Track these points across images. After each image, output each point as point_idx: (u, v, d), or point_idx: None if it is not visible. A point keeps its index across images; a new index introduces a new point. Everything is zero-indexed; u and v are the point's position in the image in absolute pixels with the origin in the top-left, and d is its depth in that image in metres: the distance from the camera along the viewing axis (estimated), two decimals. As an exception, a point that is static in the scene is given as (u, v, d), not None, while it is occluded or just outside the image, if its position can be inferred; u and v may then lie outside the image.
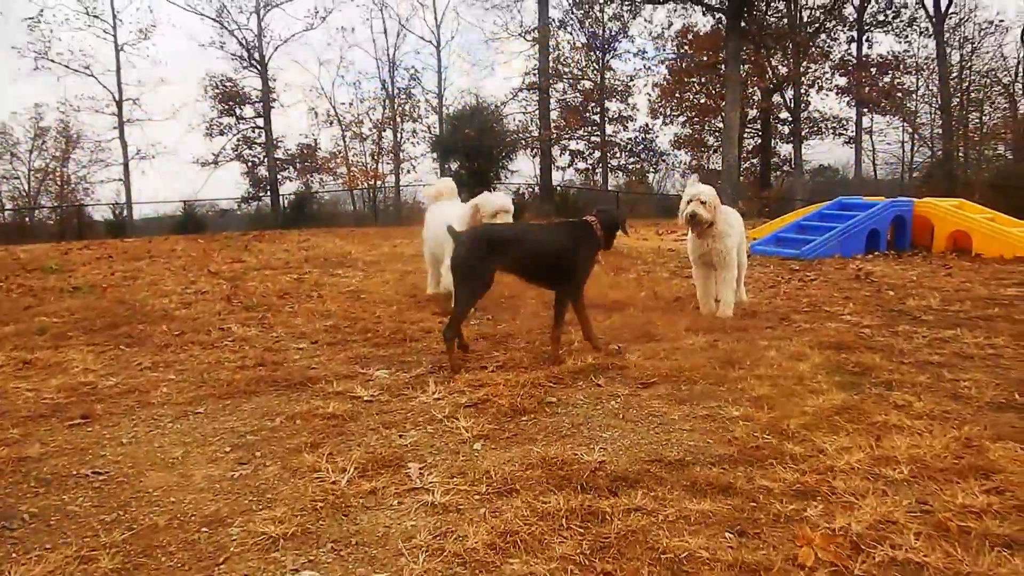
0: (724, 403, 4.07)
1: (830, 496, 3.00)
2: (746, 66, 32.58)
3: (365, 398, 4.29)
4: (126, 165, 34.30)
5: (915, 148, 40.96)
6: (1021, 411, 3.98)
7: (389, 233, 16.91)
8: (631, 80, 39.62)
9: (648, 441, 3.58)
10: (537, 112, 36.75)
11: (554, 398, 4.22)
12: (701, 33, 36.93)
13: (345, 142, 38.25)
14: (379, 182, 37.43)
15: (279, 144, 36.72)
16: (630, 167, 41.87)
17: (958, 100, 37.16)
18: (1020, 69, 35.76)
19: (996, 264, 9.74)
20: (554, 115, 37.80)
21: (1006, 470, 3.19)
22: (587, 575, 2.47)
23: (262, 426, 3.88)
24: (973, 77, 37.48)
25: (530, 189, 35.55)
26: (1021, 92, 36.05)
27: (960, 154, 36.86)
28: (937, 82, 35.80)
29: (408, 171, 38.39)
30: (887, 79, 36.63)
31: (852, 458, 3.33)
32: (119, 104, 33.73)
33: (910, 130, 40.03)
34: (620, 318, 6.26)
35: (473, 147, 30.15)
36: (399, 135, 37.80)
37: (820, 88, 37.19)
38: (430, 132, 37.16)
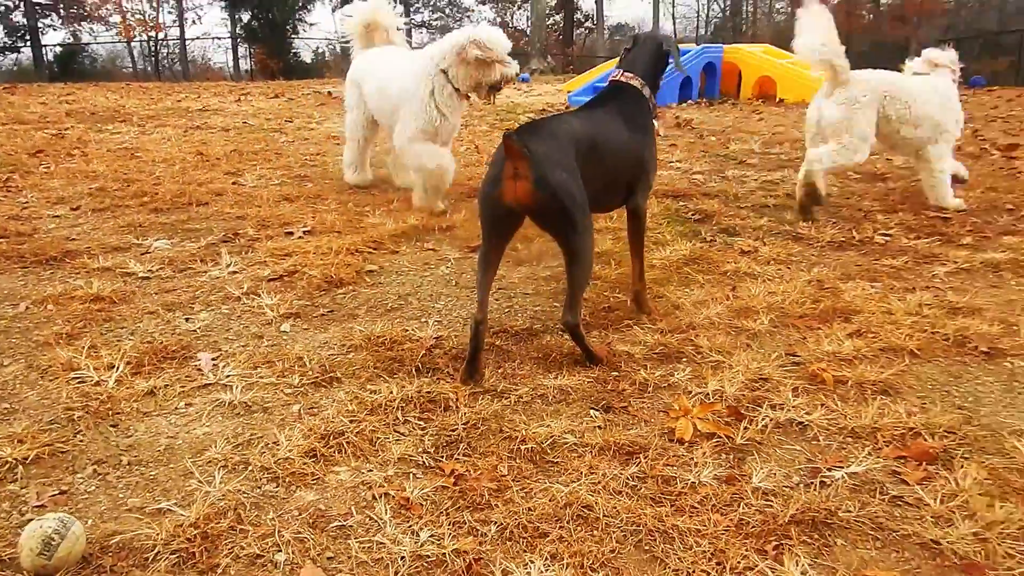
0: (567, 261, 3.65)
1: (696, 357, 2.68)
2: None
3: (141, 274, 3.49)
4: None
5: (709, 2, 42.13)
6: (860, 248, 3.88)
7: (173, 88, 15.00)
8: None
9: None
10: (335, -42, 34.05)
11: (375, 266, 3.62)
12: None
13: (117, -15, 33.58)
14: (160, 34, 33.41)
15: (36, -15, 31.56)
16: (435, 23, 40.40)
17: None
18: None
19: (800, 108, 9.90)
20: (353, -37, 35.20)
21: (863, 310, 3.02)
22: (434, 478, 1.99)
23: (1, 314, 3.03)
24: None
25: (331, 46, 33.33)
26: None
27: (748, 8, 38.41)
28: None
29: (193, 22, 34.69)
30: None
31: (711, 312, 3.03)
32: None
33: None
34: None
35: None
36: (181, -21, 33.74)
37: (620, -60, 37.16)
38: (216, -24, 33.47)
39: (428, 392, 2.40)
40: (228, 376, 2.54)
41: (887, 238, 3.99)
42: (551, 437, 2.16)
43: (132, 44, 33.10)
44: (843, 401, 2.34)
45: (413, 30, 39.11)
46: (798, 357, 2.66)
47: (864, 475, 1.97)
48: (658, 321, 2.96)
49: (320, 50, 32.73)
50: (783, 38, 26.97)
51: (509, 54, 4.19)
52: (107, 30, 33.11)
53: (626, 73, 2.98)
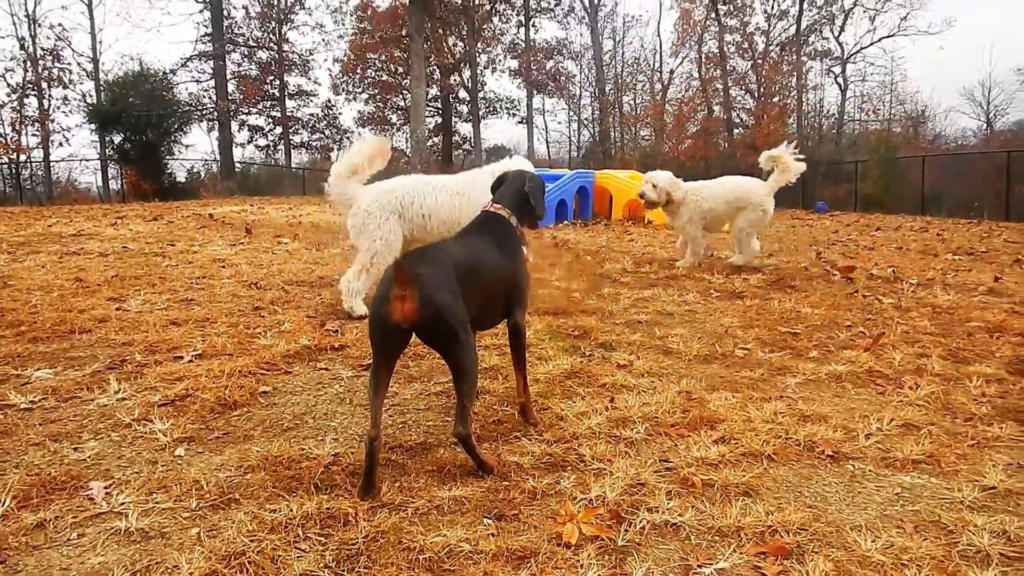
0: (455, 378, 3.84)
1: (580, 465, 2.88)
2: (427, 44, 33.22)
3: (22, 405, 3.43)
4: None
5: (580, 128, 44.98)
6: (724, 362, 4.23)
7: (42, 213, 14.57)
8: (310, 54, 39.44)
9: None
10: (212, 82, 34.49)
11: (268, 387, 3.69)
12: (379, 9, 37.34)
13: (-24, 108, 32.61)
14: (23, 156, 32.39)
15: None
16: (314, 144, 41.25)
17: (612, 85, 41.61)
18: (658, 58, 41.23)
19: (667, 229, 10.67)
20: (231, 87, 35.83)
21: (727, 419, 3.31)
22: (336, 593, 2.08)
23: None
24: (624, 65, 42.33)
25: (207, 167, 33.29)
26: (658, 79, 41.41)
27: (615, 134, 41.26)
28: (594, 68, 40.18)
29: (60, 144, 33.95)
30: (551, 63, 40.07)
31: (592, 422, 3.26)
32: None
33: (575, 112, 44.23)
34: (330, 294, 5.80)
35: (140, 117, 27.28)
36: (46, 102, 33.17)
37: (495, 70, 39.68)
38: (85, 100, 33.11)
39: (328, 508, 2.49)
40: (122, 503, 2.54)
41: (746, 352, 4.39)
42: (448, 546, 2.29)
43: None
44: (711, 503, 2.58)
45: (292, 150, 39.76)
46: (671, 463, 2.90)
47: (730, 571, 2.19)
48: (544, 432, 3.17)
49: (195, 170, 32.63)
50: (648, 164, 29.09)
51: None
52: (-35, 152, 31.92)
53: (495, 204, 3.30)
